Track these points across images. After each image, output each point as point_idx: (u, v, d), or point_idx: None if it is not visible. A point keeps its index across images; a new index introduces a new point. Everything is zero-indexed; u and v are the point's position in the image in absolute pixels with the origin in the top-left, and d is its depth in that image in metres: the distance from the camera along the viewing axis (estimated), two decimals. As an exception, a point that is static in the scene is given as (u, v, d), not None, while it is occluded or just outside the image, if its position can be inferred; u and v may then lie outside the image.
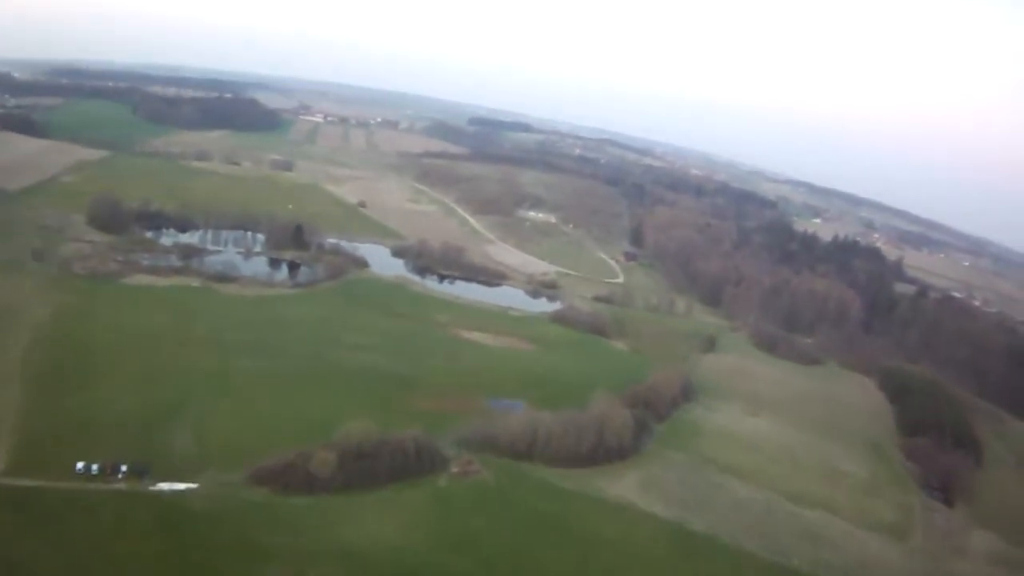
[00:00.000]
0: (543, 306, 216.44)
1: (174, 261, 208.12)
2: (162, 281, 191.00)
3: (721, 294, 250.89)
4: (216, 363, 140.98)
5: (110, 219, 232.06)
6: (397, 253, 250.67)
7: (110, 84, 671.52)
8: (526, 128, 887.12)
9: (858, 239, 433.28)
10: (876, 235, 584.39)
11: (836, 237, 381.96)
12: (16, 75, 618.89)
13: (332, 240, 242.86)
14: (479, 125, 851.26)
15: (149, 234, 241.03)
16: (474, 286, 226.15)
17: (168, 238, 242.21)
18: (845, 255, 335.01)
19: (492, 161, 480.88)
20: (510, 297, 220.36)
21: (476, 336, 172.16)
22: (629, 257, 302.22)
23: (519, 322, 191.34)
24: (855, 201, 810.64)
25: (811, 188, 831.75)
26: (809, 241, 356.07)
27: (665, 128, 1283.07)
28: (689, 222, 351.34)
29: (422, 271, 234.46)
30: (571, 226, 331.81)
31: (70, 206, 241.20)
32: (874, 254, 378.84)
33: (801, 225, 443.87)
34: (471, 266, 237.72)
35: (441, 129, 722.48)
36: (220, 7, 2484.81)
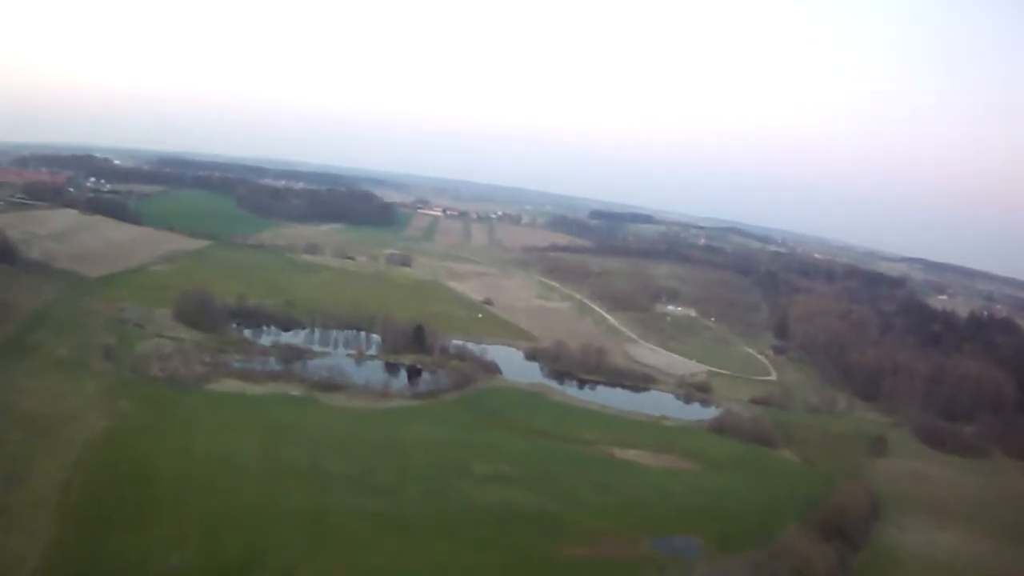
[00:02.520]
0: (698, 412, 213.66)
1: (272, 365, 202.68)
2: (255, 388, 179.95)
3: (877, 386, 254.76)
4: (311, 501, 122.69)
5: (201, 314, 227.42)
6: (531, 356, 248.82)
7: (215, 175, 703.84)
8: (647, 219, 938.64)
9: (987, 313, 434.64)
10: (999, 306, 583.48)
11: (972, 313, 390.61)
12: (117, 162, 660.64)
13: (457, 342, 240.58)
14: (600, 218, 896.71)
15: (246, 333, 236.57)
16: (619, 392, 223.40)
17: (268, 338, 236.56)
18: (985, 332, 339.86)
19: (620, 254, 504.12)
20: (660, 403, 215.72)
21: (630, 455, 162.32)
22: (778, 351, 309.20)
23: (676, 434, 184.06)
24: (967, 273, 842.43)
25: (925, 264, 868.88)
26: (950, 320, 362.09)
27: (780, 214, 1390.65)
28: (830, 310, 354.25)
29: (560, 376, 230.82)
30: (712, 320, 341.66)
31: (156, 299, 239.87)
32: (1011, 328, 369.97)
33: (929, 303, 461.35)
34: (614, 369, 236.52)
35: (563, 223, 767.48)
36: (333, 103, 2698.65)
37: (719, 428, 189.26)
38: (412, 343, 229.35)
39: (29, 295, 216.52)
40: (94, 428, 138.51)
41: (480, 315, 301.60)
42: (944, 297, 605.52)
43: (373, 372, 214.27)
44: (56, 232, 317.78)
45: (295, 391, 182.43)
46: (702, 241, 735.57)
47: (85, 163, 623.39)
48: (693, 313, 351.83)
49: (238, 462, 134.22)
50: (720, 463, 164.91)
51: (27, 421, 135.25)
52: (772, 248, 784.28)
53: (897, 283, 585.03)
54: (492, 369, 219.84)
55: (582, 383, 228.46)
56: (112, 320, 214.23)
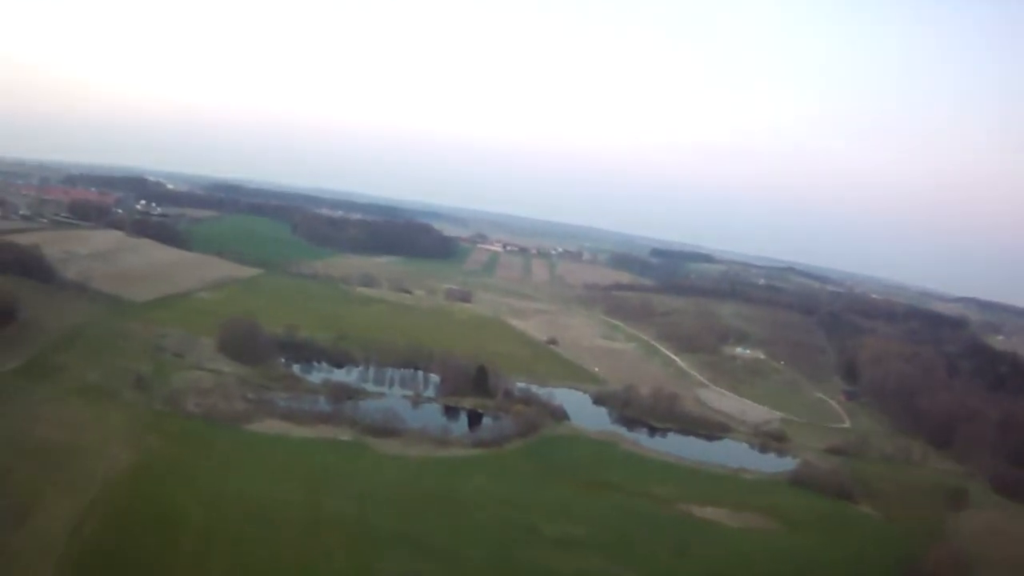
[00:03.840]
0: (773, 463, 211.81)
1: (321, 404, 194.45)
2: (301, 431, 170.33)
3: (949, 433, 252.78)
4: (355, 562, 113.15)
5: (246, 346, 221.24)
6: (599, 400, 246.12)
7: (270, 202, 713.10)
8: (707, 259, 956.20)
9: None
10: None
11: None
12: (170, 185, 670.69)
13: (521, 384, 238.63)
14: (661, 256, 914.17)
15: (294, 368, 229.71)
16: (692, 440, 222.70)
17: (318, 375, 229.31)
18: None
19: (683, 293, 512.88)
20: (735, 453, 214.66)
21: (709, 513, 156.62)
22: (848, 396, 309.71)
23: (754, 489, 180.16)
24: (1018, 312, 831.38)
25: (978, 303, 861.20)
26: (1016, 362, 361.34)
27: (833, 253, 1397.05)
28: (897, 353, 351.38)
29: (630, 423, 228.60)
30: (781, 363, 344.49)
31: (199, 327, 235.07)
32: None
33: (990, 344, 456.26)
34: (686, 416, 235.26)
35: (625, 260, 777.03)
36: (392, 134, 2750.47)
37: (798, 481, 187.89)
38: (473, 385, 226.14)
39: (61, 315, 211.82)
40: (116, 464, 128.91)
41: (544, 356, 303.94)
42: (1002, 337, 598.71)
43: (431, 416, 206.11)
44: (98, 252, 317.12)
45: (345, 435, 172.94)
46: (762, 281, 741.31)
47: (136, 185, 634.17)
48: (761, 355, 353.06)
49: (275, 513, 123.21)
50: (801, 522, 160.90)
51: (40, 452, 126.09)
52: (831, 288, 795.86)
53: (957, 323, 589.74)
54: (559, 414, 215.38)
55: (653, 431, 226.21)
56: (149, 347, 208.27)
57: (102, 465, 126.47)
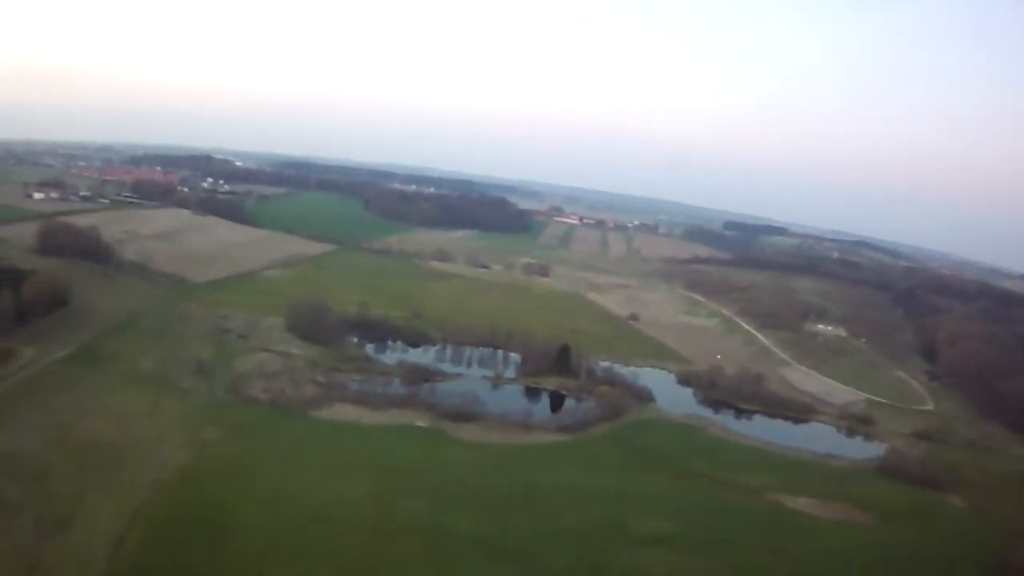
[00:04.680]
0: (861, 448, 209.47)
1: (396, 387, 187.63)
2: (374, 416, 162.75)
3: None
4: (431, 571, 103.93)
5: (316, 326, 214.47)
6: (684, 381, 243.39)
7: (341, 179, 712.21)
8: (780, 232, 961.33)
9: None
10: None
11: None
12: (238, 163, 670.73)
13: (604, 363, 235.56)
14: (735, 229, 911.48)
15: (367, 349, 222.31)
16: (778, 423, 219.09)
17: (392, 355, 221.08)
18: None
19: (760, 267, 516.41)
20: (822, 437, 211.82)
21: (800, 504, 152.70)
22: (931, 377, 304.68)
23: (844, 478, 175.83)
24: None
25: None
26: None
27: (903, 228, 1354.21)
28: (975, 333, 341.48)
29: (716, 405, 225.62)
30: (862, 341, 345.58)
31: (266, 307, 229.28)
32: None
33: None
34: (772, 397, 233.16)
35: (700, 234, 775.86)
36: (463, 109, 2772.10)
37: (887, 469, 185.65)
38: (555, 364, 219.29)
39: (117, 298, 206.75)
40: (168, 462, 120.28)
41: (625, 332, 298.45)
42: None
43: (511, 398, 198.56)
44: (160, 232, 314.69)
45: (421, 421, 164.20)
46: (835, 255, 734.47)
47: (202, 164, 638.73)
48: (843, 333, 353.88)
49: (344, 515, 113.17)
50: (892, 514, 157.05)
51: (85, 450, 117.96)
52: (902, 263, 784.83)
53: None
54: (644, 396, 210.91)
55: (739, 412, 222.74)
56: (211, 329, 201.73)
57: (152, 464, 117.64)
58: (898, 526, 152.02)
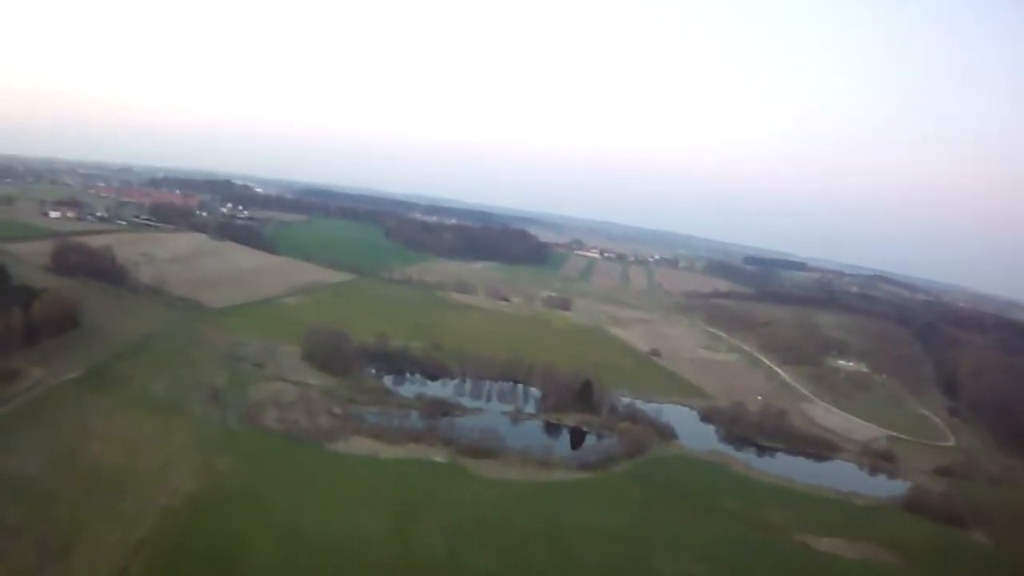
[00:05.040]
0: (884, 486, 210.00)
1: (413, 421, 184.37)
2: (390, 450, 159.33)
3: None
4: None
5: (334, 356, 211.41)
6: (706, 417, 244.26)
7: (362, 207, 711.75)
8: (801, 267, 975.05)
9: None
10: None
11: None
12: (258, 189, 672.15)
13: (625, 399, 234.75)
14: (754, 264, 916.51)
15: (385, 380, 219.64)
16: (800, 461, 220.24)
17: (410, 387, 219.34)
18: None
19: (781, 302, 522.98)
20: (845, 475, 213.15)
21: (826, 545, 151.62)
22: (950, 412, 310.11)
23: (869, 516, 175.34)
24: None
25: None
26: None
27: (918, 262, 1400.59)
28: (994, 366, 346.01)
29: (738, 442, 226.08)
30: (883, 376, 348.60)
31: (283, 335, 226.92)
32: None
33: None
34: (795, 434, 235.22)
35: (720, 268, 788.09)
36: (485, 141, 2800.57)
37: (911, 507, 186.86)
38: (577, 400, 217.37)
39: (129, 320, 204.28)
40: (177, 491, 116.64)
41: (647, 368, 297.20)
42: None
43: (531, 434, 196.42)
44: (177, 255, 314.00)
45: (439, 456, 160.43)
46: (854, 289, 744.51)
47: (222, 188, 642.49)
48: (864, 368, 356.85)
49: (357, 551, 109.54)
50: (919, 554, 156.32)
51: (91, 475, 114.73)
52: (920, 297, 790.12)
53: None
54: (667, 433, 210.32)
55: (762, 450, 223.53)
56: (226, 356, 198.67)
57: (160, 492, 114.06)
58: (924, 566, 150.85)
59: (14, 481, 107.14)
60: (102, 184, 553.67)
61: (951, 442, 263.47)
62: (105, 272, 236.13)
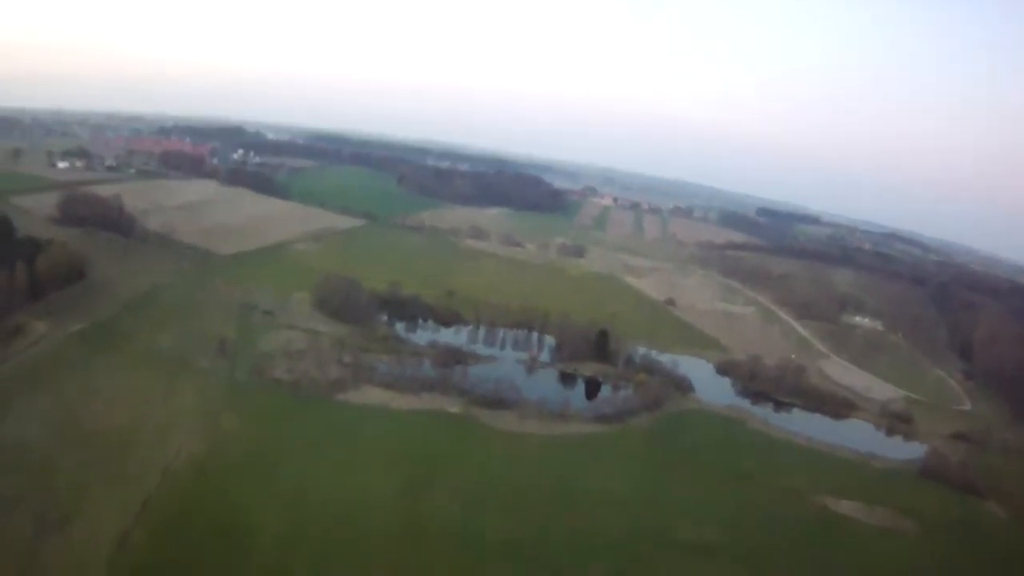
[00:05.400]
0: (901, 448, 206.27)
1: (427, 370, 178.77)
2: (403, 401, 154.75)
3: None
4: None
5: (345, 303, 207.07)
6: (723, 371, 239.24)
7: (375, 153, 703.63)
8: (815, 220, 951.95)
9: None
10: None
11: None
12: (270, 136, 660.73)
13: (641, 350, 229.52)
14: (767, 216, 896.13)
15: (397, 328, 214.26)
16: (817, 418, 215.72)
17: (423, 335, 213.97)
18: None
19: (796, 256, 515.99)
20: (862, 435, 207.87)
21: (844, 508, 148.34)
22: (967, 376, 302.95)
23: (886, 481, 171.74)
24: None
25: None
26: None
27: (932, 222, 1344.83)
28: (1010, 332, 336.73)
29: (755, 397, 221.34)
30: (899, 336, 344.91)
31: (294, 283, 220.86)
32: None
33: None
34: (812, 391, 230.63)
35: (734, 219, 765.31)
36: (498, 87, 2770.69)
37: (927, 473, 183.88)
38: (593, 350, 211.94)
39: (137, 271, 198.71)
40: (181, 452, 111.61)
41: (663, 318, 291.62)
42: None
43: (546, 384, 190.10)
44: (187, 203, 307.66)
45: (453, 407, 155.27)
46: (867, 246, 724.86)
47: (233, 135, 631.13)
48: (880, 327, 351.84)
49: (368, 516, 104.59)
50: (935, 523, 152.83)
51: (92, 437, 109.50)
52: (933, 257, 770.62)
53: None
54: (684, 387, 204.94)
55: (778, 405, 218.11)
56: (236, 305, 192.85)
57: (164, 454, 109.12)
58: (942, 537, 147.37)
59: (12, 445, 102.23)
60: (112, 134, 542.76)
61: (967, 407, 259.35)
62: (113, 222, 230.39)
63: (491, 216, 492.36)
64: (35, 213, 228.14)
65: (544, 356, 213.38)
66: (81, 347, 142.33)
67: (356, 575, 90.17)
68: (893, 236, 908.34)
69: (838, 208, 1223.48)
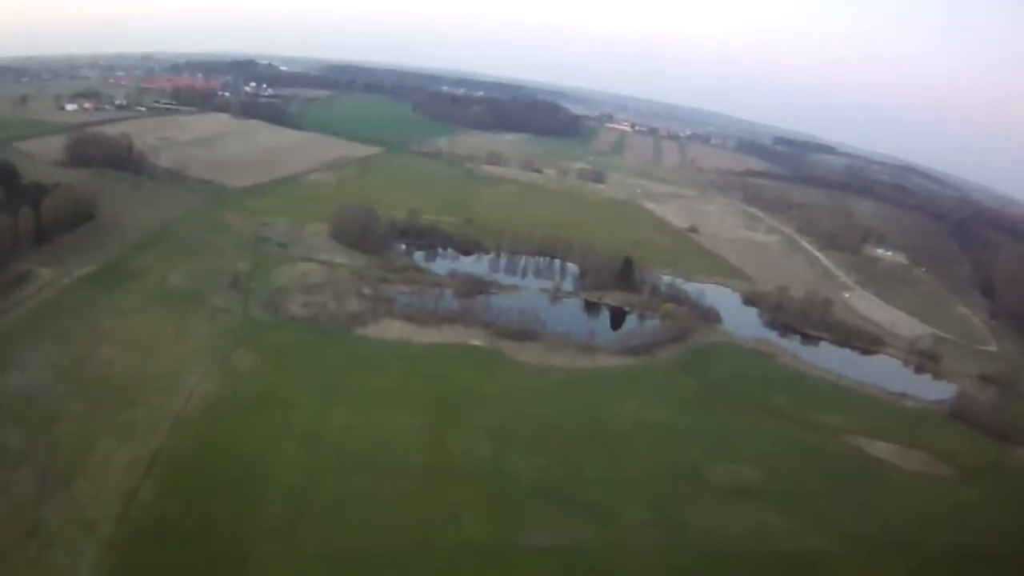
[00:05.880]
0: (930, 387, 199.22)
1: (448, 300, 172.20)
2: (424, 334, 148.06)
3: None
4: (484, 532, 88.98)
5: (363, 233, 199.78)
6: (749, 301, 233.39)
7: (388, 82, 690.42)
8: (830, 151, 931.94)
9: None
10: None
11: None
12: (283, 68, 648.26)
13: (666, 277, 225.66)
14: (784, 145, 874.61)
15: (416, 257, 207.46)
16: (845, 353, 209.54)
17: (443, 263, 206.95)
18: None
19: (815, 185, 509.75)
20: (890, 372, 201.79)
21: (879, 450, 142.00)
22: (992, 315, 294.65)
23: (918, 421, 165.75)
24: None
25: None
26: None
27: (946, 156, 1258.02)
28: None
29: (782, 329, 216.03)
30: (922, 270, 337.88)
31: (310, 214, 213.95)
32: None
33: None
34: (841, 325, 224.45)
35: (751, 147, 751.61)
36: (510, 14, 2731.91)
37: (959, 415, 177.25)
38: (618, 279, 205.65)
39: (148, 209, 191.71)
40: (193, 396, 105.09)
41: (685, 245, 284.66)
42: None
43: (570, 314, 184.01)
44: (199, 138, 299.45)
45: (477, 340, 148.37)
46: (885, 178, 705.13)
47: (245, 69, 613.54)
48: (903, 260, 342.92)
49: (391, 458, 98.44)
50: (970, 469, 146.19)
51: (100, 384, 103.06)
52: (951, 193, 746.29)
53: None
54: (711, 317, 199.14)
55: (805, 338, 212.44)
56: (249, 239, 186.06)
57: (175, 398, 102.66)
58: (977, 484, 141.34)
59: (17, 396, 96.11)
60: (122, 74, 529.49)
61: (993, 347, 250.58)
62: (122, 161, 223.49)
63: (508, 142, 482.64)
64: (41, 157, 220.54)
65: (567, 285, 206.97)
66: (89, 290, 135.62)
67: (379, 523, 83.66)
68: (909, 169, 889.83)
69: (853, 140, 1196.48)
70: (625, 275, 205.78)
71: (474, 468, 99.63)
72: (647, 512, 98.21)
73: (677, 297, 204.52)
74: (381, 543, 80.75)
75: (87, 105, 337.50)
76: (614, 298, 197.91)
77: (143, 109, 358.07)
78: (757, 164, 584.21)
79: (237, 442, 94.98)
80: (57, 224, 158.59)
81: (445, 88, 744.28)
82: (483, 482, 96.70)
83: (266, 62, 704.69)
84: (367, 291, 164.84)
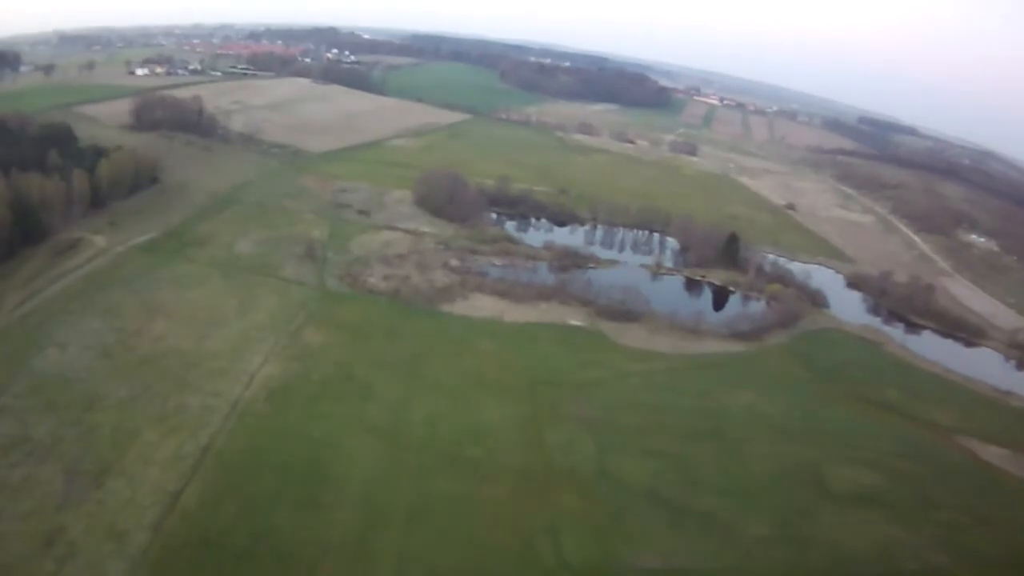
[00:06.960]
0: None
1: (543, 274, 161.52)
2: (519, 311, 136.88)
3: None
4: (586, 555, 76.62)
5: (450, 201, 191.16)
6: (853, 284, 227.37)
7: (474, 50, 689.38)
8: (912, 132, 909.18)
9: None
10: None
11: None
12: (365, 36, 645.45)
13: (769, 256, 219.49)
14: (868, 125, 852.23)
15: (507, 227, 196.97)
16: (948, 344, 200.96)
17: (536, 235, 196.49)
18: None
19: (902, 165, 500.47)
20: (993, 366, 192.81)
21: (992, 455, 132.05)
22: None
23: None
24: None
25: None
26: None
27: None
28: None
29: (887, 315, 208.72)
30: (1014, 258, 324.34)
31: (393, 180, 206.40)
32: None
33: None
34: (944, 314, 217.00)
35: (838, 125, 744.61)
36: None
37: None
38: (722, 256, 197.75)
39: (217, 173, 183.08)
40: (254, 381, 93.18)
41: (784, 223, 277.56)
42: None
43: (672, 292, 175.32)
44: (276, 102, 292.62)
45: (575, 319, 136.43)
46: (967, 162, 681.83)
47: (327, 36, 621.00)
48: (995, 247, 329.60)
49: (482, 457, 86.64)
50: None
51: (147, 365, 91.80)
52: (1015, 175, 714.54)
53: None
54: (818, 301, 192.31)
55: (909, 327, 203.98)
56: (326, 205, 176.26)
57: (233, 383, 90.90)
58: None
59: (52, 379, 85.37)
60: (197, 41, 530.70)
61: None
62: (192, 124, 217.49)
63: (597, 111, 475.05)
64: (105, 121, 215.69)
65: (667, 260, 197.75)
66: (146, 259, 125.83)
67: (466, 534, 71.28)
68: (987, 155, 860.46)
69: (931, 123, 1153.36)
70: (730, 252, 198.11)
71: (576, 468, 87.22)
72: (769, 524, 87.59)
73: (782, 277, 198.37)
74: (466, 561, 68.57)
75: (159, 70, 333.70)
76: (718, 276, 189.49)
77: (218, 74, 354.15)
78: (845, 142, 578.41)
79: (302, 436, 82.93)
80: (116, 188, 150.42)
81: (532, 58, 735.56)
82: (585, 486, 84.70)
83: (348, 30, 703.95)
84: (454, 263, 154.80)
